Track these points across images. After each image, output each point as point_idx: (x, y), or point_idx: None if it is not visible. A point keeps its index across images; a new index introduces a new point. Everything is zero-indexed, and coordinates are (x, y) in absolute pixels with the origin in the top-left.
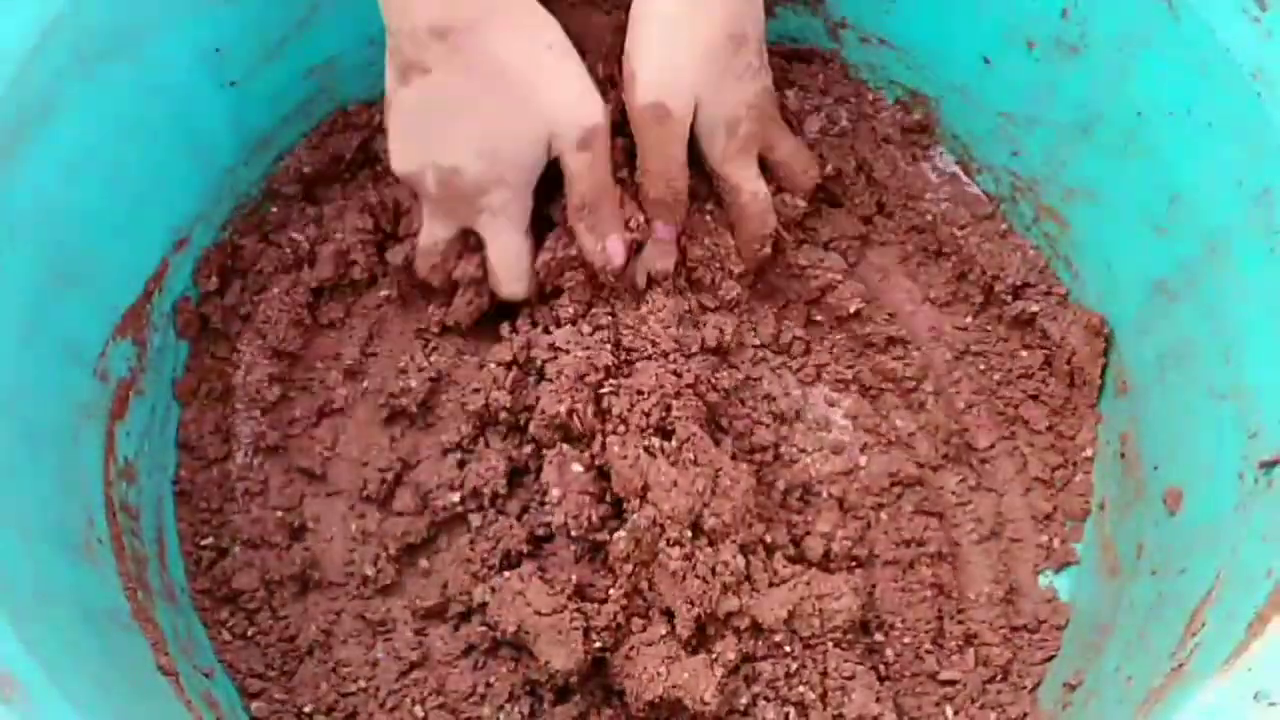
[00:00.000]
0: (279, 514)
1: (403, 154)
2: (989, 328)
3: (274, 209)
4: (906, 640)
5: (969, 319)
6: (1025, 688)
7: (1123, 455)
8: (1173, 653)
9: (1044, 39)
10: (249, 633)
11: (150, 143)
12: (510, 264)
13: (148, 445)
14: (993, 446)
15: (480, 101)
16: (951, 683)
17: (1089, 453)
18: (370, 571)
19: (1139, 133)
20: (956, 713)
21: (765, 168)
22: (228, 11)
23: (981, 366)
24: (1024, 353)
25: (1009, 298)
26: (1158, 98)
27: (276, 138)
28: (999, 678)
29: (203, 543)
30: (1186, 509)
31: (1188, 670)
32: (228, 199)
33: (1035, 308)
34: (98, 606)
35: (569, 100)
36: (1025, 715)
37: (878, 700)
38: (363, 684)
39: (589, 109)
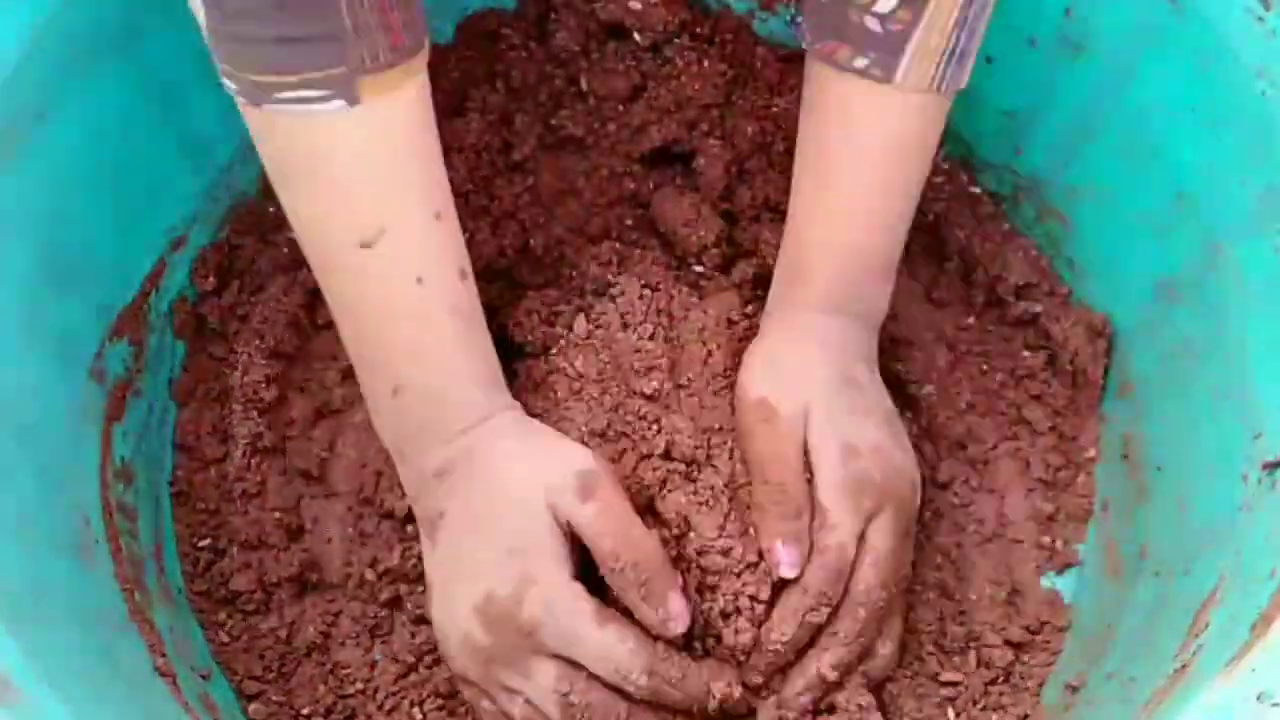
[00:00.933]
0: (277, 515)
1: (448, 611)
2: (990, 328)
3: (272, 209)
4: (908, 641)
5: (971, 319)
6: (1027, 689)
7: (1125, 456)
8: (1176, 654)
9: (1046, 37)
10: (246, 634)
11: (146, 142)
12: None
13: (145, 446)
14: (995, 447)
15: (488, 509)
16: (953, 684)
17: (1091, 454)
18: (370, 575)
19: (1142, 132)
20: (959, 714)
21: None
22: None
23: (984, 367)
24: (1026, 353)
25: (1011, 298)
26: (1161, 96)
27: None
28: (1001, 679)
29: (200, 544)
30: (1190, 510)
31: (1191, 671)
32: (224, 199)
33: (1038, 308)
34: (95, 608)
35: (556, 458)
36: (1027, 717)
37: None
38: (361, 685)
39: (577, 453)
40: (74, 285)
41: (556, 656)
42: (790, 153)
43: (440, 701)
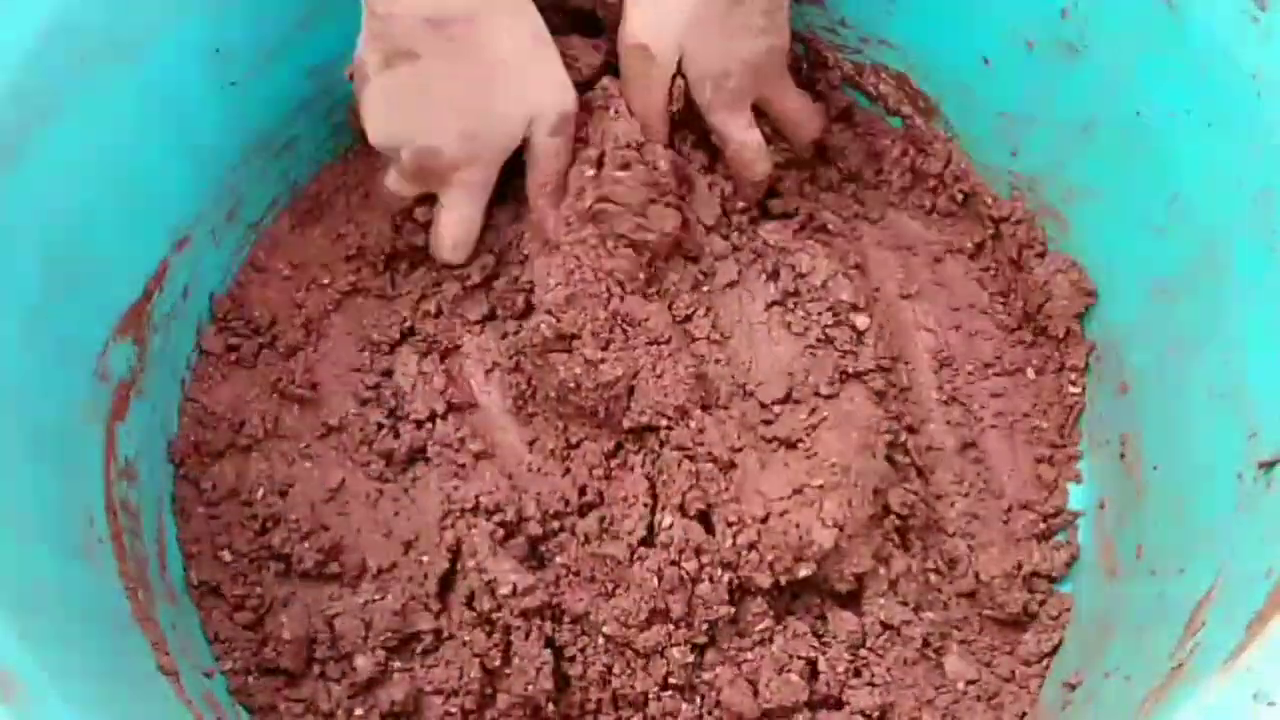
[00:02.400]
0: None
1: (383, 130)
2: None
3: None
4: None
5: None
6: (1025, 688)
7: (1122, 455)
8: (1172, 653)
9: (1044, 39)
10: (251, 632)
11: (150, 143)
12: (460, 234)
13: (148, 445)
14: (989, 445)
15: (468, 87)
16: (952, 682)
17: (1077, 450)
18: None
19: (1138, 133)
20: (957, 713)
21: (767, 120)
22: (228, 12)
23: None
24: (1020, 348)
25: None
26: (1157, 98)
27: (276, 139)
28: (999, 677)
29: (203, 543)
30: (1186, 509)
31: (1187, 670)
32: (227, 200)
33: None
34: (98, 606)
35: (550, 87)
36: (1025, 715)
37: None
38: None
39: (567, 96)
40: (78, 285)
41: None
42: None
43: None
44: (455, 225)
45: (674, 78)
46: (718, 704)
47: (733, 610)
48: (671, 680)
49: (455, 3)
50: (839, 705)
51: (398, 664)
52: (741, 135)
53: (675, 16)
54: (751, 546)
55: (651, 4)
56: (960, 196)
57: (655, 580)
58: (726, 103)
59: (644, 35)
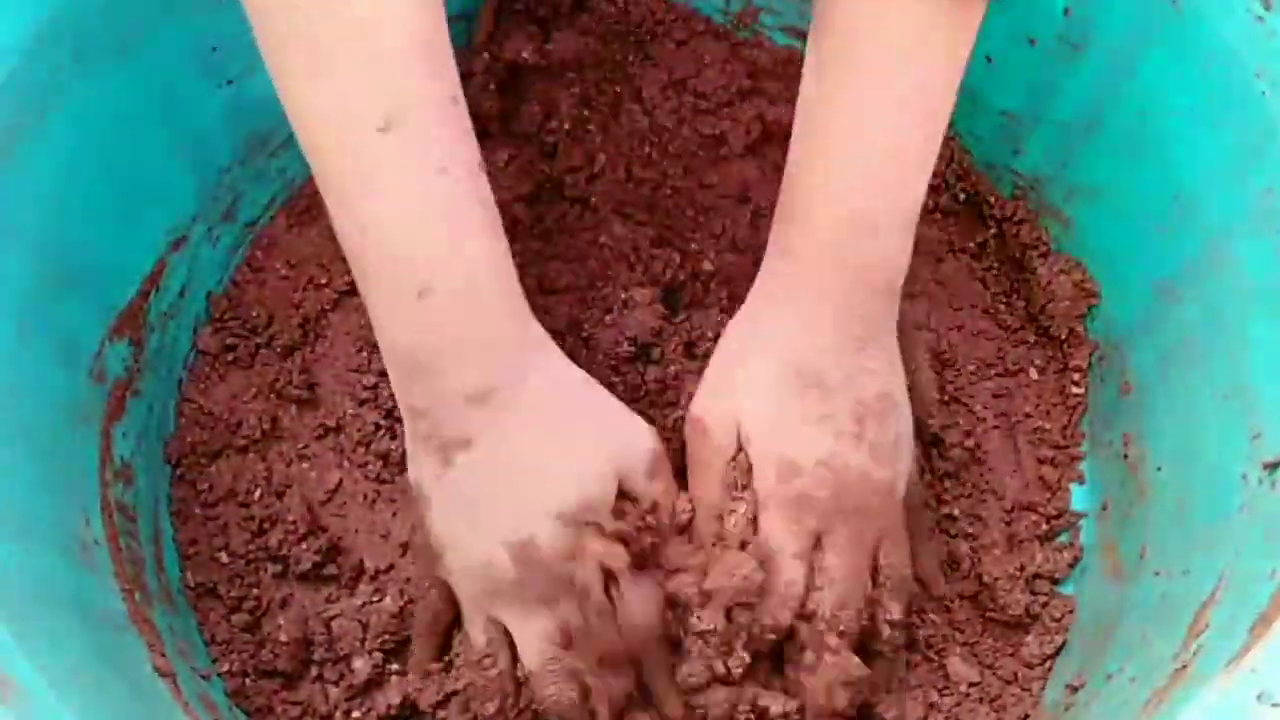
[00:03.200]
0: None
1: (462, 543)
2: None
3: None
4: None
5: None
6: (1028, 690)
7: (1125, 456)
8: (1176, 654)
9: (1046, 37)
10: (248, 634)
11: (146, 142)
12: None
13: (144, 446)
14: (991, 446)
15: (540, 456)
16: (954, 684)
17: (1079, 451)
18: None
19: (1142, 132)
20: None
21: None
22: (224, 11)
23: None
24: (1022, 348)
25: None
26: (1161, 96)
27: (273, 137)
28: (1001, 679)
29: (200, 544)
30: (1190, 510)
31: (1191, 671)
32: (224, 199)
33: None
34: (94, 608)
35: (627, 430)
36: (1027, 717)
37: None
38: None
39: (647, 434)
40: (74, 285)
41: (561, 616)
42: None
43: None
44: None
45: (734, 458)
46: None
47: None
48: None
49: (497, 375)
50: None
51: (395, 666)
52: (791, 563)
53: (737, 395)
54: None
55: (710, 382)
56: (962, 196)
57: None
58: (783, 505)
59: (700, 409)
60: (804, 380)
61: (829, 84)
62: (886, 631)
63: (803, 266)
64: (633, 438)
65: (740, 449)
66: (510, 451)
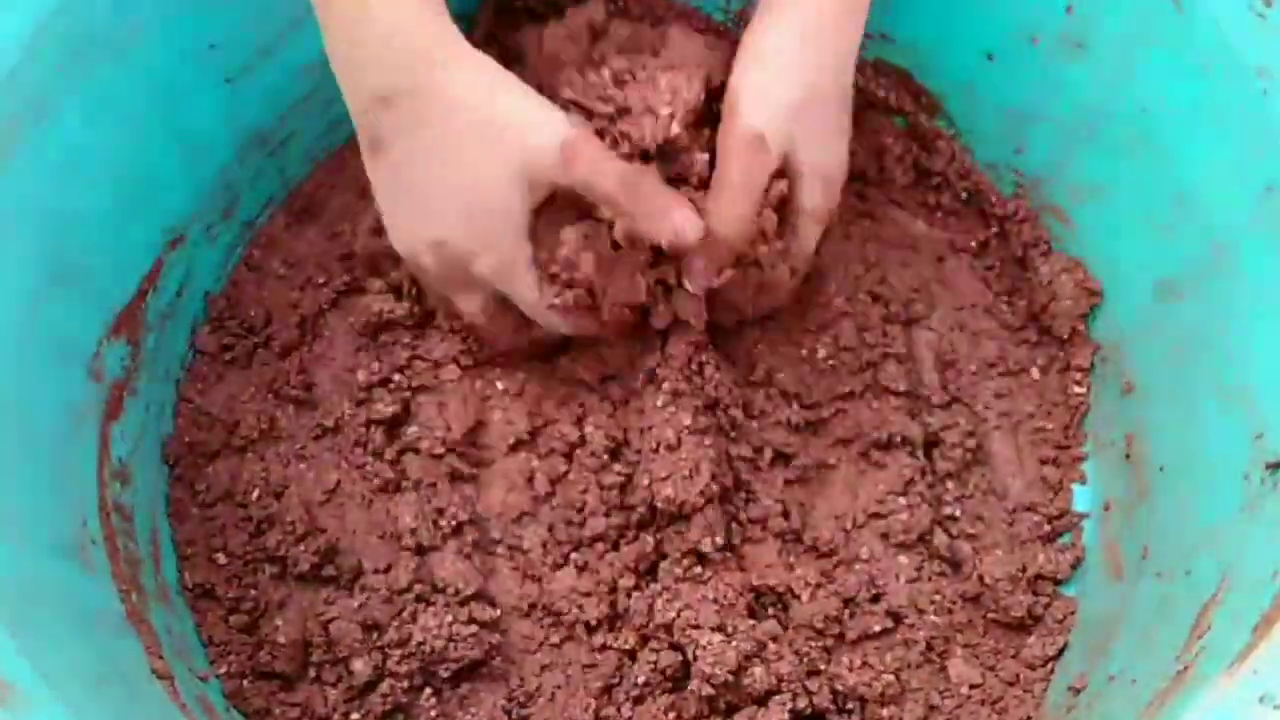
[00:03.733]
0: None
1: (395, 235)
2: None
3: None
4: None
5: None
6: (1030, 691)
7: (1128, 456)
8: (1178, 655)
9: (1048, 35)
10: (246, 635)
11: (144, 141)
12: (544, 320)
13: (142, 446)
14: (992, 446)
15: (444, 160)
16: (955, 685)
17: (1081, 451)
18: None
19: (1144, 130)
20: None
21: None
22: (223, 9)
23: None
24: (1024, 348)
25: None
26: (1163, 95)
27: (272, 136)
28: (1003, 681)
29: (198, 545)
30: (1192, 510)
31: (1193, 673)
32: (222, 198)
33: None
34: (92, 609)
35: (534, 123)
36: (1029, 718)
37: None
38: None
39: (556, 124)
40: (72, 284)
41: (489, 293)
42: None
43: None
44: (532, 314)
45: (773, 177)
46: None
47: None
48: None
49: (400, 75)
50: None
51: (393, 665)
52: (808, 251)
53: (790, 107)
54: None
55: (761, 93)
56: (964, 195)
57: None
58: (821, 213)
59: (761, 123)
60: (841, 91)
61: None
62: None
63: None
64: (542, 129)
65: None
66: (417, 154)
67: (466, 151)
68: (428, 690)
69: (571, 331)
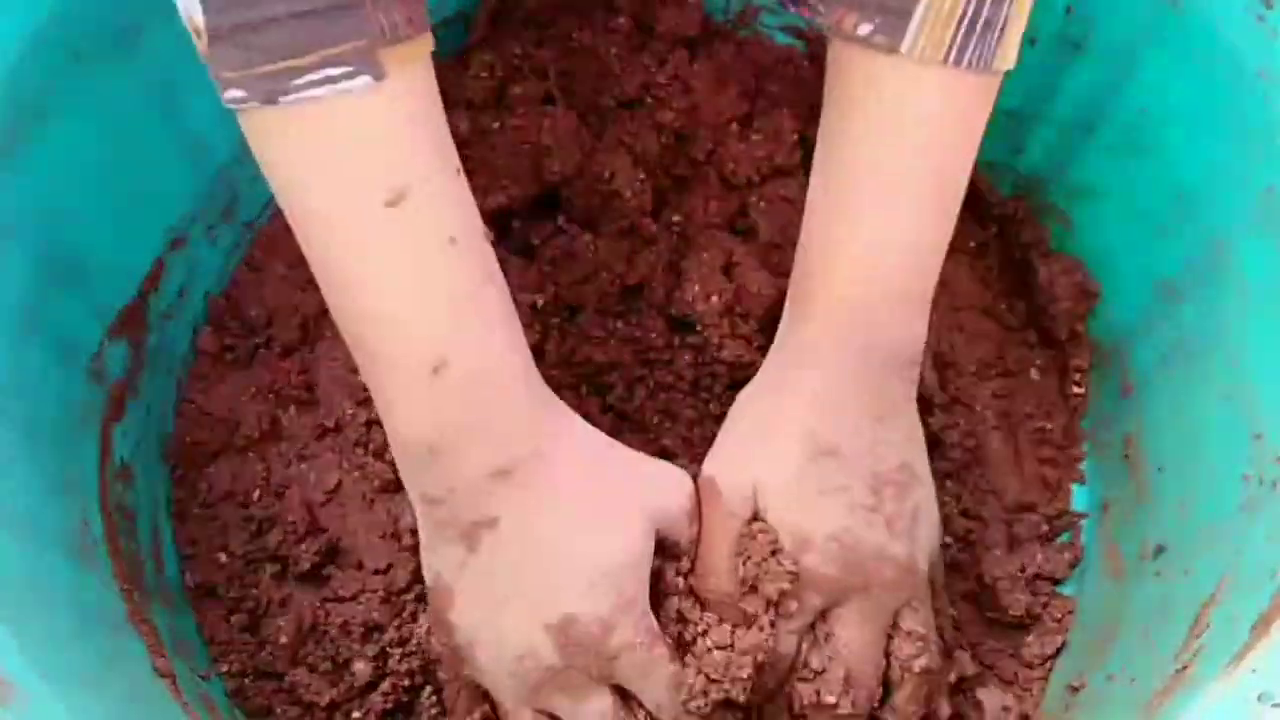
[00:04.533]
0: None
1: (495, 634)
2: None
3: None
4: None
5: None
6: (1028, 690)
7: (1126, 456)
8: (1176, 654)
9: (1047, 36)
10: (247, 635)
11: (145, 142)
12: (682, 690)
13: (144, 446)
14: (991, 447)
15: (571, 524)
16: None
17: (1080, 451)
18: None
19: (1142, 131)
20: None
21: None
22: None
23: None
24: (1023, 349)
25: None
26: (1161, 96)
27: None
28: (1002, 680)
29: (200, 544)
30: (1191, 510)
31: (1191, 672)
32: (223, 198)
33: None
34: (94, 608)
35: (658, 479)
36: (1028, 717)
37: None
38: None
39: (679, 479)
40: (73, 285)
41: (616, 690)
42: None
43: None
44: (667, 688)
45: (753, 526)
46: None
47: None
48: None
49: (519, 446)
50: None
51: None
52: (784, 642)
53: (751, 460)
54: None
55: (727, 446)
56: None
57: None
58: (810, 580)
59: (713, 469)
60: (820, 450)
61: (837, 177)
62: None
63: (819, 341)
64: (664, 484)
65: (755, 517)
66: (539, 525)
67: (596, 515)
68: (428, 689)
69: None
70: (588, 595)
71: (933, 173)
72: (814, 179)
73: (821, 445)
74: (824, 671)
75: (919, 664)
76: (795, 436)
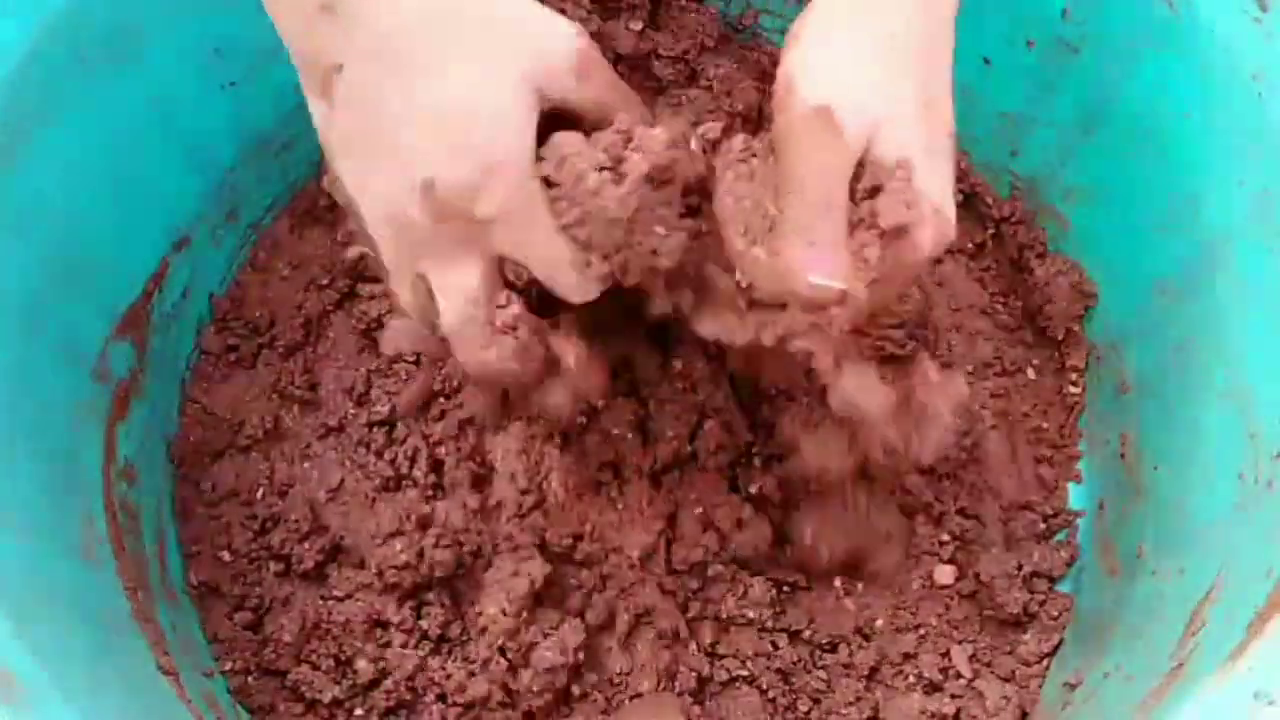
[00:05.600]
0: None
1: (362, 191)
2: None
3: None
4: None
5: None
6: (1025, 688)
7: (1123, 455)
8: (1172, 652)
9: (1044, 39)
10: (251, 633)
11: (149, 144)
12: (564, 270)
13: (148, 445)
14: (989, 446)
15: (428, 70)
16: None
17: (1077, 450)
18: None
19: (1139, 133)
20: (957, 713)
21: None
22: (227, 12)
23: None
24: (1020, 348)
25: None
26: (1158, 98)
27: (275, 138)
28: (999, 677)
29: (203, 543)
30: (1187, 509)
31: (1187, 670)
32: (226, 200)
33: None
34: (98, 607)
35: (545, 27)
36: (1025, 715)
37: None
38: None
39: (567, 32)
40: (77, 285)
41: (491, 260)
42: None
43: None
44: (549, 262)
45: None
46: None
47: None
48: None
49: None
50: None
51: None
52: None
53: (869, 67)
54: None
55: (827, 55)
56: (960, 196)
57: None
58: (945, 178)
59: (828, 95)
60: (928, 105)
61: None
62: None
63: None
64: (548, 37)
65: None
66: (376, 72)
67: (463, 53)
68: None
69: (595, 293)
70: (445, 157)
71: None
72: None
73: (928, 96)
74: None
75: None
76: (915, 76)
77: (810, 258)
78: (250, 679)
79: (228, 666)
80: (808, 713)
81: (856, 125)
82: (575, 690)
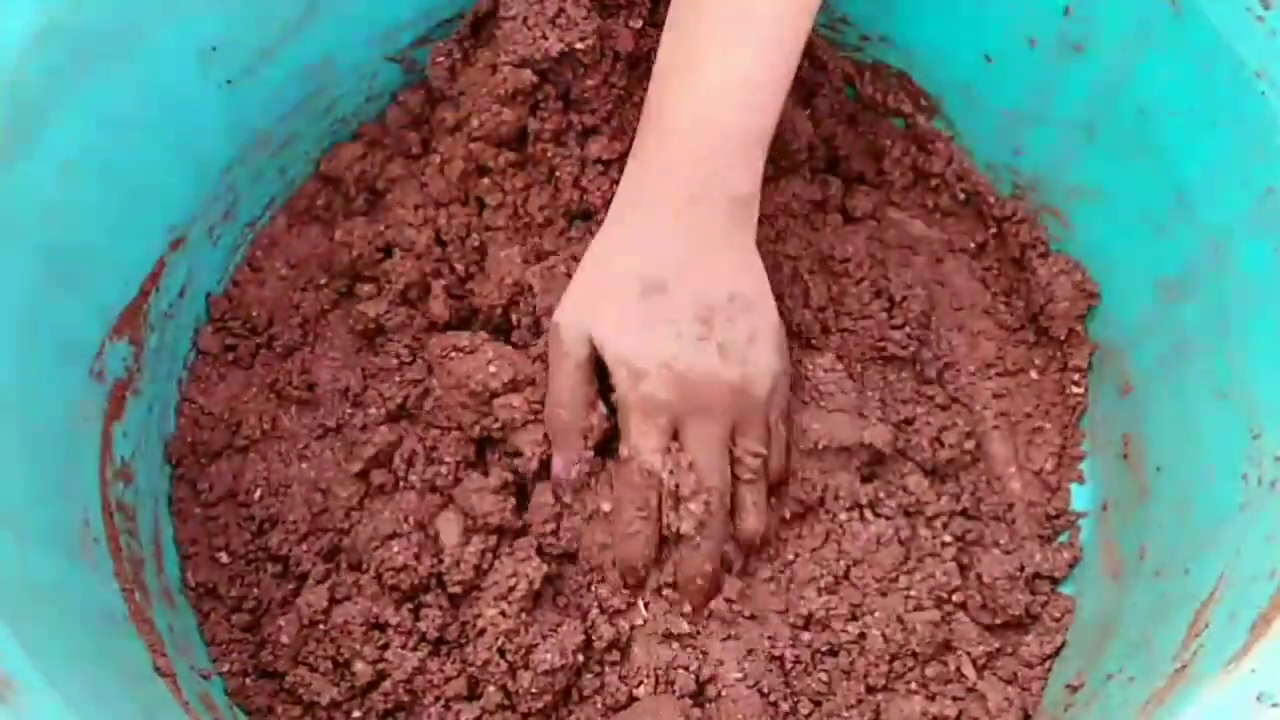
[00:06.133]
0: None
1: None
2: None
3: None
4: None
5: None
6: (1027, 689)
7: (1125, 456)
8: (1175, 654)
9: (1046, 37)
10: (248, 634)
11: (146, 142)
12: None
13: (145, 446)
14: (991, 446)
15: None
16: (951, 684)
17: (1079, 451)
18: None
19: (1142, 132)
20: (959, 715)
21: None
22: (224, 11)
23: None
24: (1022, 348)
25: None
26: (1161, 96)
27: (273, 137)
28: (1001, 679)
29: (200, 544)
30: (1190, 510)
31: (1190, 671)
32: (224, 199)
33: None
34: (95, 607)
35: None
36: (1028, 717)
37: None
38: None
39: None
40: (74, 284)
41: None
42: None
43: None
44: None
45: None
46: None
47: None
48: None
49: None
50: None
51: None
52: (646, 458)
53: (585, 302)
54: None
55: (581, 285)
56: (962, 196)
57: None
58: (637, 407)
59: (557, 314)
60: (648, 286)
61: (684, 19)
62: (749, 521)
63: (652, 175)
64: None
65: (593, 353)
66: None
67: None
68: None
69: None
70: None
71: (771, 18)
72: (664, 36)
73: (648, 281)
74: (678, 488)
75: (748, 475)
76: (625, 274)
77: None
78: (248, 680)
79: (225, 668)
80: (808, 716)
81: (568, 335)
82: (574, 692)
